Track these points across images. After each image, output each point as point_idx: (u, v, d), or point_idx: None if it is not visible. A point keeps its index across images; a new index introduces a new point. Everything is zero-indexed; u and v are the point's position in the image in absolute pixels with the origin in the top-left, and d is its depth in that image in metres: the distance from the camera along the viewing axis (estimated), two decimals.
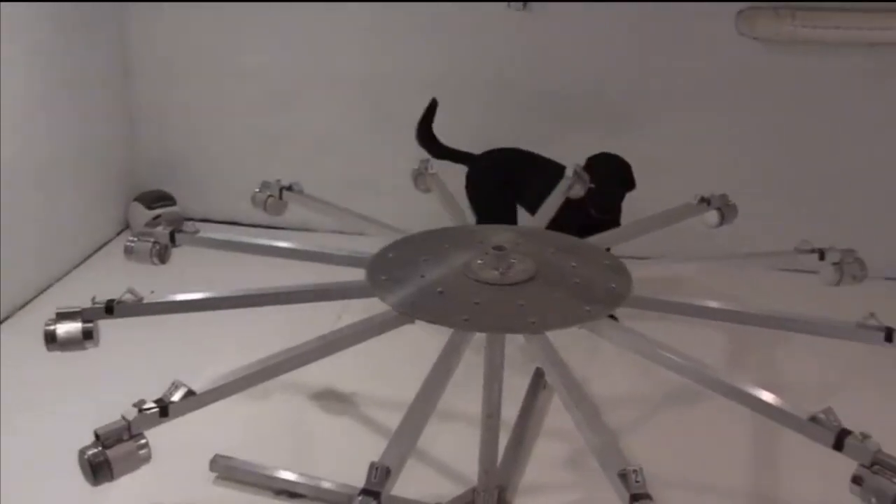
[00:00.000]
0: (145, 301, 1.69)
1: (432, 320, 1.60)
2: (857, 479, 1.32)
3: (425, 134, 3.12)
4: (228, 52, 3.63)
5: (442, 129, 3.37)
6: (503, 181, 2.98)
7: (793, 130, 3.36)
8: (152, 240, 1.96)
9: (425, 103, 3.13)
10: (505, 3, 3.29)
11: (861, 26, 3.08)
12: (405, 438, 1.38)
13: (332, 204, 2.23)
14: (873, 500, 1.30)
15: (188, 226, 2.04)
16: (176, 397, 1.38)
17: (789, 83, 3.29)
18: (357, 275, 1.78)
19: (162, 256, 1.96)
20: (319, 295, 1.81)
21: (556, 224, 2.11)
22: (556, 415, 2.46)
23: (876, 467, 1.30)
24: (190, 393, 1.40)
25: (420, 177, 2.41)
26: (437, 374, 1.52)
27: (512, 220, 2.92)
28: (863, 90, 3.26)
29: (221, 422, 2.32)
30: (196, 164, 3.83)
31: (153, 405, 1.37)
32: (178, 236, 2.00)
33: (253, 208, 2.28)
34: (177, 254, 2.03)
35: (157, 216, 3.57)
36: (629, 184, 2.76)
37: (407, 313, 1.62)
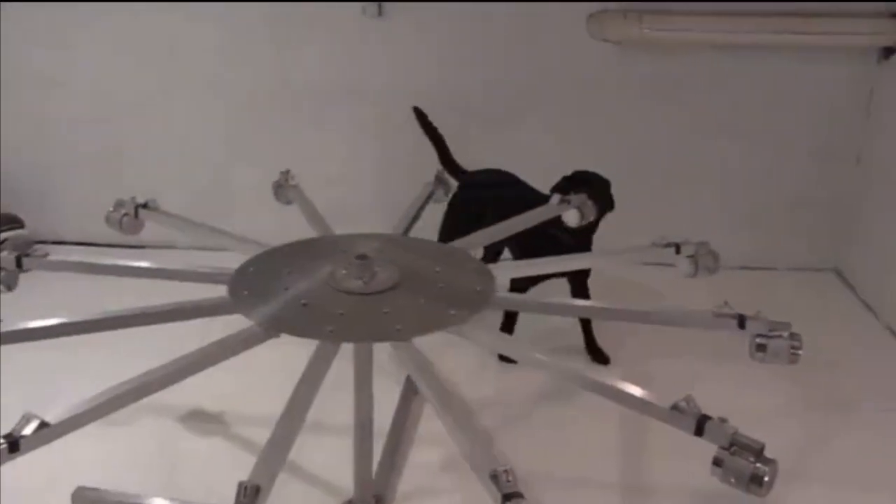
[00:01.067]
0: None
1: (297, 333, 1.58)
2: (717, 461, 1.38)
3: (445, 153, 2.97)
4: (72, 60, 3.48)
5: (303, 141, 3.35)
6: (478, 210, 2.69)
7: (647, 129, 3.47)
8: None
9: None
10: (360, 9, 3.28)
11: (706, 29, 3.21)
12: (274, 455, 1.36)
13: (191, 220, 2.18)
14: (732, 479, 1.36)
15: (37, 249, 1.96)
16: (28, 430, 1.32)
17: (641, 83, 3.40)
18: (220, 291, 1.74)
19: (8, 283, 1.86)
20: (179, 314, 1.75)
21: (522, 250, 2.09)
22: (431, 420, 2.46)
23: (734, 448, 1.37)
24: (43, 424, 1.34)
25: (280, 189, 2.38)
26: (304, 387, 1.50)
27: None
28: (710, 89, 3.39)
29: (84, 452, 2.22)
30: (44, 184, 3.66)
31: (1, 441, 1.30)
32: (25, 261, 1.91)
33: (108, 228, 2.21)
34: (28, 279, 1.94)
35: (3, 241, 3.40)
36: (610, 204, 2.58)
37: (271, 328, 1.60)
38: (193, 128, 3.55)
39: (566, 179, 2.52)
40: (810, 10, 3.15)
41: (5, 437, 1.31)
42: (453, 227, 2.67)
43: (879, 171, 3.32)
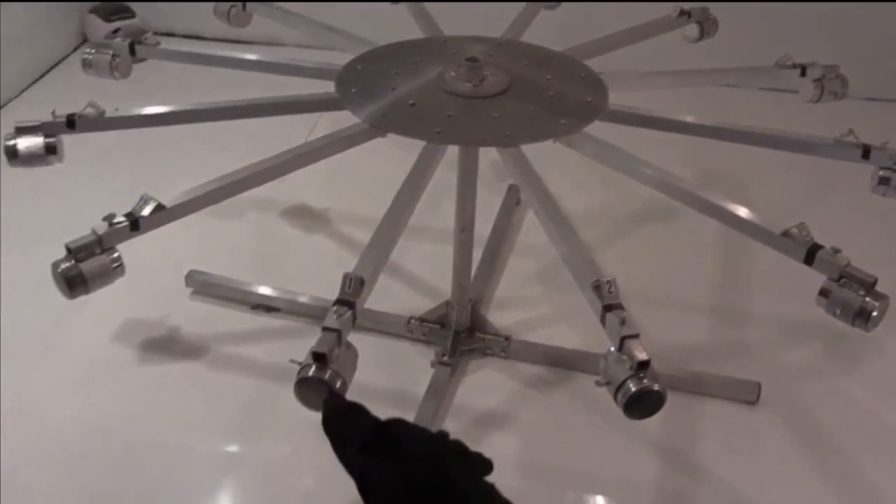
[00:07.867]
0: (107, 115, 1.63)
1: (404, 133, 1.56)
2: (824, 292, 1.33)
3: None
4: None
5: None
6: None
7: None
8: (111, 52, 1.86)
9: None
10: None
11: None
12: (378, 250, 1.38)
13: (299, 15, 2.14)
14: (838, 311, 1.32)
15: (149, 38, 1.96)
16: (146, 211, 1.36)
17: None
18: (327, 88, 1.73)
19: (122, 69, 1.88)
20: (287, 108, 1.75)
21: None
22: (530, 231, 2.47)
23: (843, 280, 1.31)
24: (160, 207, 1.38)
25: None
26: (409, 186, 1.50)
27: None
28: None
29: (194, 238, 2.33)
30: None
31: (123, 219, 1.35)
32: (138, 48, 1.91)
33: (217, 21, 2.19)
34: (139, 70, 1.96)
35: (116, 29, 3.43)
36: None
37: (378, 126, 1.58)
38: None
39: None
40: None
41: (126, 215, 1.35)
42: None
43: None
